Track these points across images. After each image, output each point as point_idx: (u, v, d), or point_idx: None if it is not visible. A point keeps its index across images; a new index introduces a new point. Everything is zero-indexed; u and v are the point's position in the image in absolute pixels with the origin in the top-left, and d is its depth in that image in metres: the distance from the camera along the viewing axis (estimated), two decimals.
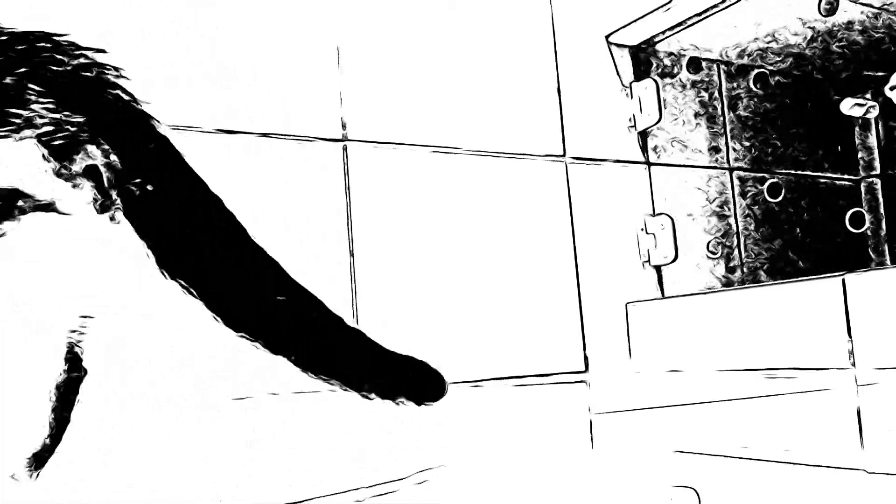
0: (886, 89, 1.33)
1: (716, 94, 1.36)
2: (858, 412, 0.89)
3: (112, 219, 0.78)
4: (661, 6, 1.18)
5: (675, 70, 1.32)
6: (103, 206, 0.77)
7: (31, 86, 0.75)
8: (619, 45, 1.27)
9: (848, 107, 1.41)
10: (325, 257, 0.99)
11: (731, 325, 1.05)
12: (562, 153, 1.20)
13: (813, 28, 1.26)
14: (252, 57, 0.97)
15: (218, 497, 0.88)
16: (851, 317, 0.90)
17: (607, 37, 1.26)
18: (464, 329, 1.07)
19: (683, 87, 1.33)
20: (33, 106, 0.74)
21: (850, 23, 1.24)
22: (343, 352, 0.91)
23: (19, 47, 0.77)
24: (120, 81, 0.82)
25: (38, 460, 0.75)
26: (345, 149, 1.02)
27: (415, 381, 0.97)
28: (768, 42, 1.31)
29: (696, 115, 1.34)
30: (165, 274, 0.80)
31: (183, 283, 0.81)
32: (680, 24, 1.22)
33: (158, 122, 0.84)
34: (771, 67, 1.43)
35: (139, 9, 0.91)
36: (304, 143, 1.00)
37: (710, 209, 1.33)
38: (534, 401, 1.11)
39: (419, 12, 1.10)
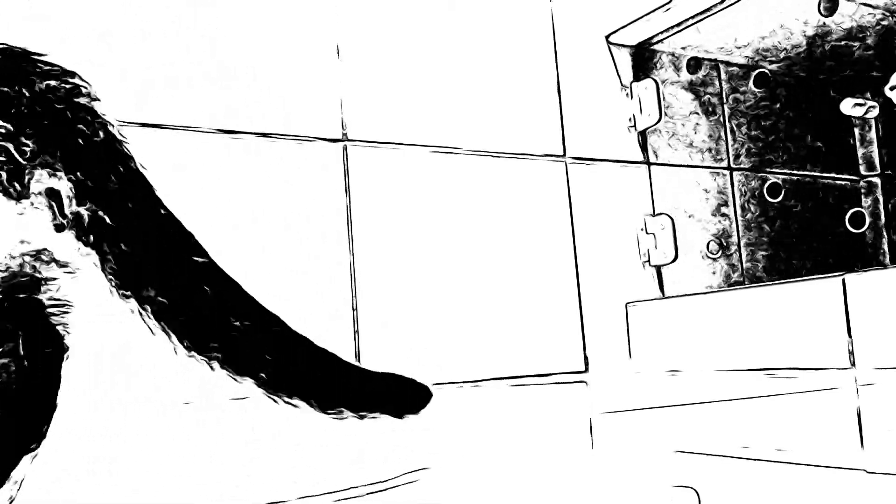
0: (886, 89, 1.33)
1: (716, 94, 1.36)
2: (858, 412, 0.89)
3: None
4: (661, 6, 1.18)
5: (675, 70, 1.32)
6: (58, 227, 0.77)
7: None
8: (619, 45, 1.27)
9: (848, 107, 1.41)
10: (325, 257, 0.99)
11: (731, 325, 1.05)
12: (562, 153, 1.20)
13: (813, 28, 1.26)
14: (252, 57, 0.97)
15: (219, 497, 0.88)
16: (851, 317, 0.90)
17: (607, 37, 1.26)
18: (464, 329, 1.07)
19: (683, 87, 1.33)
20: None
21: (850, 23, 1.24)
22: (311, 373, 0.90)
23: None
24: (90, 103, 0.81)
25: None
26: (345, 149, 1.02)
27: (392, 397, 0.96)
28: (768, 42, 1.31)
29: (696, 115, 1.34)
30: (120, 295, 0.80)
31: (138, 305, 0.80)
32: (680, 23, 1.22)
33: (125, 140, 0.83)
34: (771, 67, 1.43)
35: (139, 9, 0.91)
36: (304, 143, 1.00)
37: (709, 209, 1.33)
38: (534, 401, 1.11)
39: (419, 12, 1.10)
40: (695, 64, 1.34)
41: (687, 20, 1.21)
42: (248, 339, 0.85)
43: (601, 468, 1.14)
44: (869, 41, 1.32)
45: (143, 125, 0.90)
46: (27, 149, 0.74)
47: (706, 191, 1.33)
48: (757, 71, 1.41)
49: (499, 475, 1.06)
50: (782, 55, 1.37)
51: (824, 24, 1.25)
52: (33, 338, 0.77)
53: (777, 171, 1.42)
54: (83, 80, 0.81)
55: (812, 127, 1.48)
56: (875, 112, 1.44)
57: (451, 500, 1.00)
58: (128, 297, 0.80)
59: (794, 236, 1.42)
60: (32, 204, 0.76)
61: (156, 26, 0.92)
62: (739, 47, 1.32)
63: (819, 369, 0.93)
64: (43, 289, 0.78)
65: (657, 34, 1.25)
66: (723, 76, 1.37)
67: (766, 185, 1.40)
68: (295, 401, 0.87)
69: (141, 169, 0.83)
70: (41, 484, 0.79)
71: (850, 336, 0.90)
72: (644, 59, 1.29)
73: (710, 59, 1.35)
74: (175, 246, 0.83)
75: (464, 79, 1.12)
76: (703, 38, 1.27)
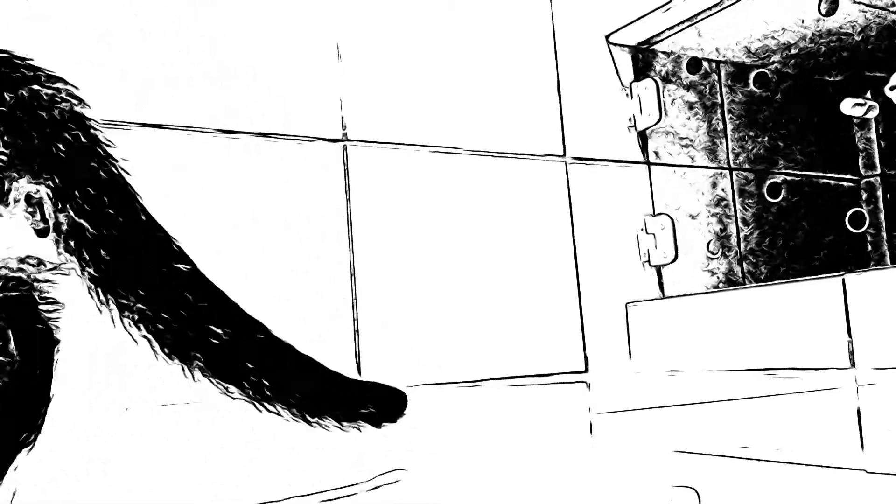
0: (886, 89, 1.33)
1: (716, 94, 1.36)
2: (858, 412, 0.89)
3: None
4: (661, 6, 1.18)
5: (675, 70, 1.32)
6: (40, 232, 0.77)
7: None
8: (619, 45, 1.27)
9: (848, 107, 1.41)
10: (325, 257, 0.99)
11: (731, 325, 1.05)
12: (562, 153, 1.20)
13: (813, 28, 1.26)
14: (252, 57, 0.97)
15: (217, 497, 0.88)
16: (851, 317, 0.90)
17: (607, 37, 1.26)
18: (464, 329, 1.07)
19: (683, 87, 1.33)
20: None
21: (850, 23, 1.24)
22: (294, 381, 0.89)
23: None
24: (74, 108, 0.81)
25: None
26: (345, 149, 1.02)
27: (374, 405, 0.95)
28: (768, 42, 1.31)
29: (696, 115, 1.34)
30: (99, 302, 0.80)
31: (118, 311, 0.80)
32: (680, 23, 1.22)
33: (110, 144, 0.83)
34: (771, 67, 1.43)
35: (139, 9, 0.91)
36: (304, 143, 1.00)
37: (709, 209, 1.33)
38: (534, 401, 1.11)
39: (419, 12, 1.10)
40: (695, 64, 1.34)
41: (687, 20, 1.21)
42: (230, 347, 0.84)
43: (601, 468, 1.14)
44: (869, 41, 1.32)
45: (143, 125, 0.90)
46: (4, 156, 0.74)
47: (706, 191, 1.33)
48: (757, 71, 1.41)
49: (499, 475, 1.06)
50: (782, 55, 1.37)
51: (824, 24, 1.25)
52: (24, 333, 0.77)
53: (777, 171, 1.42)
54: (68, 85, 0.81)
55: (812, 127, 1.48)
56: (875, 112, 1.44)
57: (451, 499, 1.00)
58: (107, 303, 0.80)
59: (794, 236, 1.42)
60: (12, 210, 0.76)
61: (156, 26, 0.92)
62: (739, 47, 1.32)
63: (819, 369, 0.93)
64: (36, 287, 0.78)
65: (657, 34, 1.25)
66: (723, 76, 1.37)
67: (766, 185, 1.40)
68: (278, 409, 0.86)
69: (124, 174, 0.83)
70: (36, 483, 0.79)
71: (850, 336, 0.90)
72: (644, 59, 1.29)
73: (710, 59, 1.35)
74: (155, 252, 0.83)
75: (464, 79, 1.12)
76: (703, 38, 1.27)
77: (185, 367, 0.82)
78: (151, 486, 0.85)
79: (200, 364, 0.82)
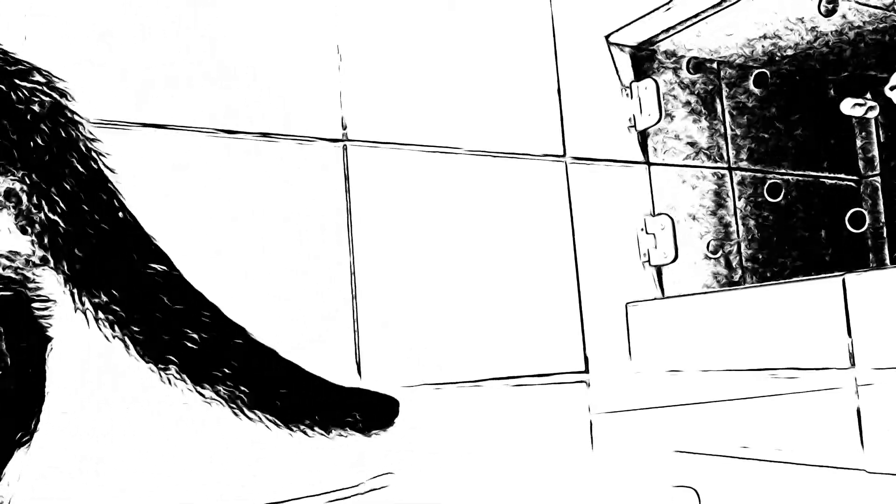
0: (886, 89, 1.33)
1: (716, 94, 1.36)
2: (858, 412, 0.89)
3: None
4: (661, 6, 1.18)
5: (675, 70, 1.32)
6: (23, 229, 0.76)
7: None
8: (619, 45, 1.27)
9: (848, 107, 1.41)
10: (325, 257, 0.99)
11: (731, 325, 1.05)
12: (562, 153, 1.20)
13: (813, 28, 1.26)
14: (252, 57, 0.97)
15: (222, 497, 0.88)
16: (851, 317, 0.90)
17: (607, 37, 1.26)
18: (464, 329, 1.07)
19: (683, 86, 1.33)
20: None
21: (850, 23, 1.24)
22: (274, 387, 0.86)
23: None
24: (58, 101, 0.79)
25: None
26: (345, 149, 1.02)
27: (361, 412, 0.93)
28: (768, 42, 1.31)
29: (696, 115, 1.34)
30: (73, 300, 0.78)
31: (92, 311, 0.79)
32: (680, 23, 1.22)
33: (94, 139, 0.81)
34: (771, 67, 1.43)
35: (139, 9, 0.91)
36: (304, 143, 1.00)
37: (709, 209, 1.33)
38: (534, 401, 1.11)
39: (419, 12, 1.10)
40: (695, 64, 1.34)
41: (687, 20, 1.21)
42: (206, 352, 0.82)
43: (601, 468, 1.14)
44: (869, 41, 1.32)
45: (143, 125, 0.90)
46: None
47: (706, 191, 1.33)
48: (757, 71, 1.41)
49: (499, 475, 1.06)
50: (782, 55, 1.37)
51: (824, 24, 1.25)
52: (16, 332, 0.77)
53: (777, 170, 1.42)
54: (53, 77, 0.79)
55: (812, 127, 1.48)
56: (875, 112, 1.44)
57: (451, 499, 1.00)
58: (81, 302, 0.78)
59: (794, 236, 1.43)
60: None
61: (156, 26, 0.92)
62: (739, 47, 1.32)
63: (819, 369, 0.93)
64: (27, 285, 0.77)
65: (657, 34, 1.25)
66: (723, 76, 1.37)
67: (766, 185, 1.40)
68: (258, 416, 0.84)
69: (106, 170, 0.81)
70: (29, 482, 0.79)
71: (850, 336, 0.90)
72: (644, 59, 1.29)
73: (709, 59, 1.35)
74: (131, 252, 0.80)
75: (464, 79, 1.12)
76: (703, 38, 1.27)
77: (161, 372, 0.81)
78: (154, 486, 0.85)
79: (175, 368, 0.81)
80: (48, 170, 0.76)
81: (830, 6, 1.19)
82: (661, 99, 1.25)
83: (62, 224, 0.76)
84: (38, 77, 0.77)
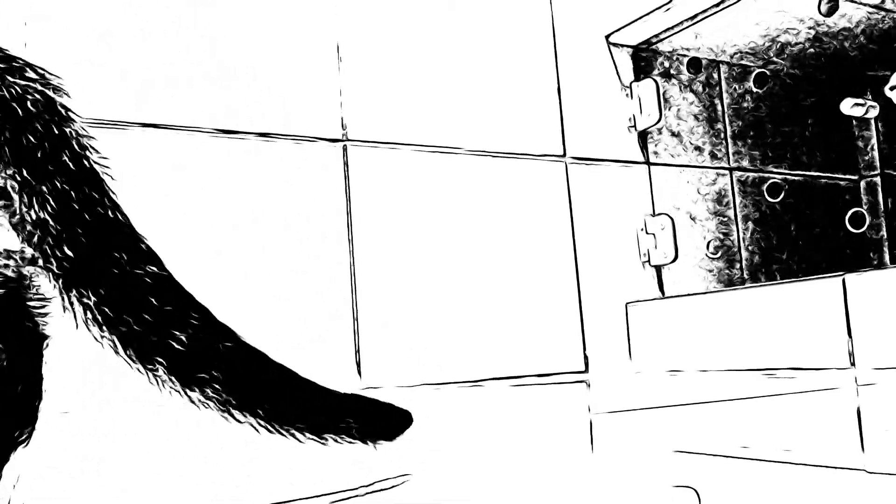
0: (886, 89, 1.33)
1: (716, 94, 1.36)
2: (858, 412, 0.89)
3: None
4: (661, 6, 1.18)
5: (675, 70, 1.32)
6: (14, 227, 0.76)
7: None
8: (619, 45, 1.27)
9: (848, 107, 1.41)
10: (325, 257, 0.99)
11: (731, 325, 1.05)
12: (562, 153, 1.20)
13: (813, 28, 1.26)
14: (252, 57, 0.97)
15: (217, 497, 0.88)
16: (851, 317, 0.90)
17: (607, 37, 1.26)
18: (464, 329, 1.07)
19: (683, 87, 1.33)
20: None
21: (850, 23, 1.24)
22: (265, 390, 0.85)
23: None
24: (52, 98, 0.78)
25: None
26: (345, 149, 1.02)
27: (361, 421, 0.90)
28: (768, 42, 1.31)
29: (696, 115, 1.34)
30: (62, 299, 0.78)
31: (81, 310, 0.78)
32: (680, 23, 1.22)
33: (88, 137, 0.80)
34: (771, 67, 1.43)
35: (139, 9, 0.91)
36: (303, 144, 1.00)
37: (709, 209, 1.33)
38: (534, 401, 1.11)
39: (419, 12, 1.10)
40: (695, 64, 1.34)
41: (687, 20, 1.21)
42: (194, 354, 0.81)
43: (601, 468, 1.14)
44: (869, 41, 1.32)
45: (143, 125, 0.90)
46: None
47: (706, 191, 1.33)
48: (757, 71, 1.41)
49: (498, 475, 1.06)
50: (782, 55, 1.37)
51: (824, 24, 1.25)
52: (12, 330, 0.76)
53: (777, 170, 1.42)
54: (49, 74, 0.78)
55: (812, 127, 1.48)
56: (875, 112, 1.44)
57: (451, 499, 1.00)
58: (70, 301, 0.78)
59: (794, 236, 1.43)
60: None
61: (156, 26, 0.92)
62: (739, 47, 1.32)
63: (819, 369, 0.93)
64: (23, 283, 0.77)
65: (657, 34, 1.25)
66: (723, 76, 1.37)
67: (766, 185, 1.40)
68: (246, 418, 0.84)
69: (98, 168, 0.80)
70: (30, 482, 0.79)
71: (850, 336, 0.90)
72: (644, 59, 1.29)
73: (709, 59, 1.35)
74: (120, 253, 0.80)
75: (464, 79, 1.12)
76: (703, 38, 1.27)
77: (149, 373, 0.80)
78: (150, 486, 0.85)
79: (163, 370, 0.80)
80: (39, 167, 0.75)
81: (830, 6, 1.19)
82: (661, 99, 1.25)
83: (52, 223, 0.76)
84: (31, 74, 0.77)
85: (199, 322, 0.82)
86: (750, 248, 1.36)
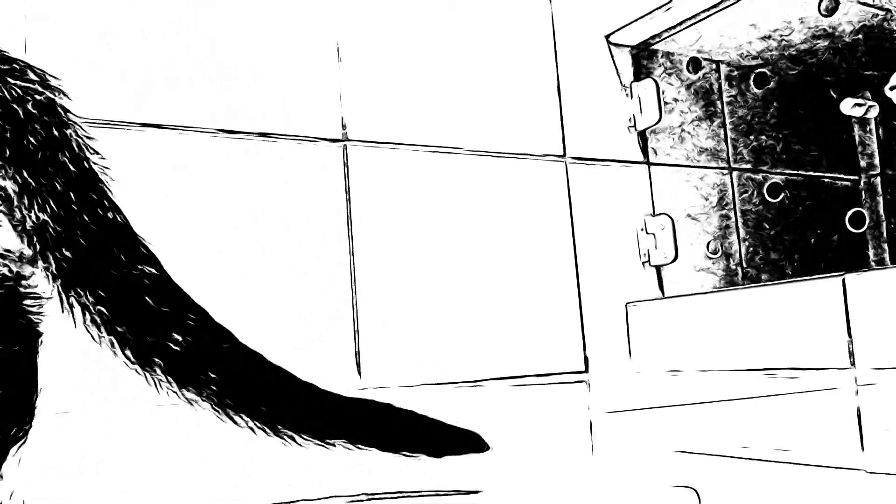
0: (886, 89, 1.33)
1: (716, 94, 1.36)
2: (858, 412, 0.89)
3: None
4: (661, 6, 1.18)
5: (676, 70, 1.32)
6: (14, 228, 0.76)
7: None
8: (619, 45, 1.27)
9: (848, 107, 1.41)
10: (325, 257, 0.99)
11: (731, 325, 1.05)
12: (562, 153, 1.20)
13: (813, 28, 1.26)
14: (252, 57, 0.97)
15: (216, 497, 0.88)
16: (851, 317, 0.90)
17: (607, 37, 1.26)
18: (464, 329, 1.07)
19: (683, 86, 1.33)
20: None
21: (850, 22, 1.24)
22: (263, 391, 0.85)
23: None
24: (52, 100, 0.78)
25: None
26: (345, 149, 1.02)
27: (358, 425, 0.89)
28: (768, 42, 1.31)
29: (696, 115, 1.34)
30: (60, 300, 0.78)
31: (80, 310, 0.78)
32: (680, 23, 1.22)
33: (88, 139, 0.81)
34: (771, 67, 1.43)
35: (139, 9, 0.91)
36: (303, 143, 1.00)
37: (709, 209, 1.33)
38: (534, 401, 1.11)
39: (419, 12, 1.10)
40: (695, 64, 1.34)
41: (687, 20, 1.21)
42: (191, 355, 0.81)
43: (601, 468, 1.14)
44: (869, 41, 1.32)
45: (143, 125, 0.90)
46: None
47: (706, 191, 1.33)
48: (757, 71, 1.41)
49: (498, 475, 1.06)
50: (782, 55, 1.37)
51: (824, 24, 1.25)
52: (7, 328, 0.76)
53: (777, 170, 1.42)
54: (48, 76, 0.79)
55: (812, 127, 1.48)
56: (875, 112, 1.44)
57: (451, 499, 1.00)
58: (69, 302, 0.78)
59: (794, 236, 1.43)
60: None
61: (156, 26, 0.92)
62: (739, 47, 1.32)
63: (819, 369, 0.93)
64: (20, 283, 0.77)
65: (657, 34, 1.25)
66: (723, 76, 1.37)
67: (766, 185, 1.40)
68: (244, 420, 0.83)
69: (97, 170, 0.81)
70: (29, 482, 0.79)
71: (850, 336, 0.90)
72: (644, 59, 1.29)
73: (710, 59, 1.35)
74: (118, 254, 0.80)
75: (464, 79, 1.12)
76: (704, 37, 1.27)
77: (147, 374, 0.80)
78: (149, 486, 0.85)
79: (161, 370, 0.80)
80: (39, 169, 0.76)
81: (831, 6, 1.19)
82: (661, 99, 1.25)
83: (51, 224, 0.76)
84: (31, 76, 0.77)
85: (197, 323, 0.82)
86: (750, 248, 1.36)
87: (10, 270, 0.76)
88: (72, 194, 0.77)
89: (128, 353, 0.80)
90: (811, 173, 1.47)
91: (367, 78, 1.05)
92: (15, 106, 0.75)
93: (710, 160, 1.34)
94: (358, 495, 0.95)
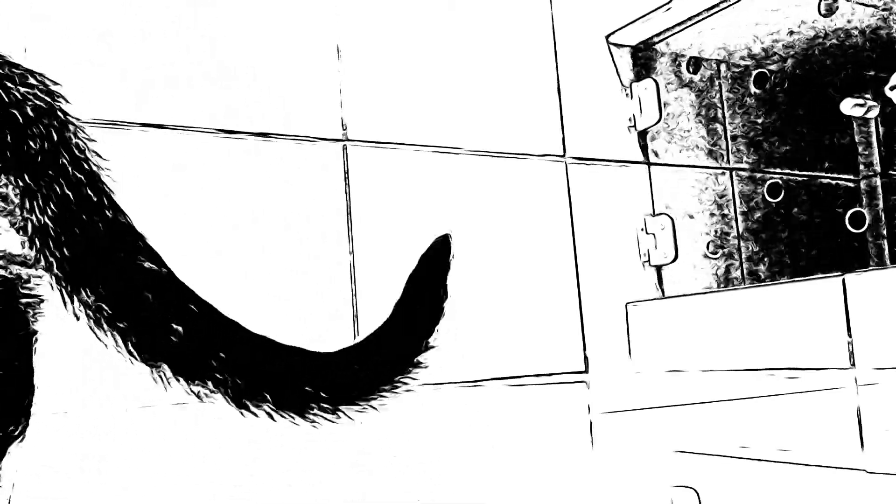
0: (886, 89, 1.33)
1: (716, 94, 1.36)
2: (858, 412, 0.89)
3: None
4: (661, 6, 1.18)
5: (676, 70, 1.32)
6: (15, 230, 0.77)
7: None
8: (619, 45, 1.27)
9: (848, 107, 1.41)
10: (325, 257, 0.99)
11: (731, 325, 1.05)
12: (562, 153, 1.20)
13: (813, 28, 1.26)
14: (252, 57, 0.97)
15: (216, 497, 0.88)
16: (851, 317, 0.90)
17: (607, 37, 1.26)
18: (464, 329, 1.07)
19: (683, 87, 1.33)
20: None
21: (849, 23, 1.24)
22: (273, 375, 0.84)
23: None
24: (51, 104, 0.79)
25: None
26: (345, 149, 1.02)
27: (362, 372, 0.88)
28: (768, 42, 1.31)
29: (696, 115, 1.34)
30: (66, 300, 0.79)
31: (83, 308, 0.79)
32: (680, 23, 1.22)
33: (88, 140, 0.81)
34: (771, 67, 1.43)
35: (139, 9, 0.91)
36: (303, 144, 1.00)
37: (709, 209, 1.33)
38: (534, 401, 1.11)
39: (419, 12, 1.10)
40: (695, 64, 1.34)
41: (687, 20, 1.21)
42: (196, 347, 0.81)
43: (601, 468, 1.14)
44: (869, 41, 1.32)
45: (143, 125, 0.90)
46: None
47: (706, 191, 1.33)
48: (757, 71, 1.41)
49: (498, 475, 1.06)
50: (782, 55, 1.37)
51: (824, 24, 1.25)
52: (5, 327, 0.77)
53: (777, 171, 1.42)
54: (46, 80, 0.79)
55: (812, 127, 1.48)
56: (875, 112, 1.44)
57: (452, 498, 1.00)
58: (71, 300, 0.79)
59: (794, 236, 1.43)
60: None
61: (156, 26, 0.92)
62: (739, 47, 1.32)
63: (819, 369, 0.93)
64: (18, 283, 0.78)
65: (657, 34, 1.25)
66: (723, 76, 1.37)
67: (766, 186, 1.40)
68: (254, 407, 0.83)
69: (97, 171, 0.81)
70: (30, 481, 0.79)
71: (850, 336, 0.90)
72: (644, 59, 1.29)
73: (710, 59, 1.35)
74: (119, 251, 0.80)
75: (464, 79, 1.12)
76: (704, 37, 1.27)
77: (153, 369, 0.80)
78: (150, 485, 0.85)
79: (166, 365, 0.80)
80: (40, 173, 0.77)
81: (830, 6, 1.19)
82: (661, 99, 1.25)
83: (52, 226, 0.77)
84: (32, 80, 0.78)
85: (201, 317, 0.83)
86: (750, 248, 1.36)
87: (11, 272, 0.77)
88: (72, 197, 0.78)
89: (130, 349, 0.80)
90: (811, 173, 1.47)
91: (367, 78, 1.05)
92: (14, 111, 0.76)
93: (710, 160, 1.34)
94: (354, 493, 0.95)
